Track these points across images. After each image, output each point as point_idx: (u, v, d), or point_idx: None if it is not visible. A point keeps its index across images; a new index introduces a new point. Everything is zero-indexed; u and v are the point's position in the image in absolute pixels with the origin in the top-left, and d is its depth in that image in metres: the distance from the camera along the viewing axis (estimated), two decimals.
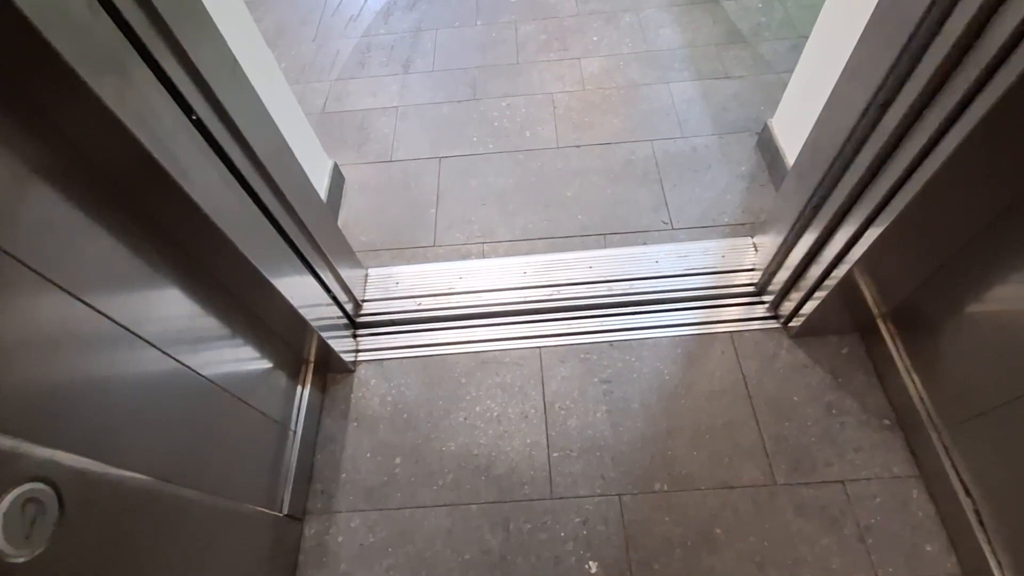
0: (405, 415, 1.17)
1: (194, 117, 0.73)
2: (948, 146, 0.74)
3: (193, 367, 0.79)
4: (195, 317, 0.83)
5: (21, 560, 0.49)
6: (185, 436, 0.77)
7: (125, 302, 0.68)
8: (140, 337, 0.69)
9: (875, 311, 1.12)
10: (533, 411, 1.15)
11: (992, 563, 0.87)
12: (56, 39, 0.52)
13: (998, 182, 0.78)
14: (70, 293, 0.59)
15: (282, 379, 1.09)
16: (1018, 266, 0.80)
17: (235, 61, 0.83)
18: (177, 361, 0.76)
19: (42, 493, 0.52)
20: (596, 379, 1.18)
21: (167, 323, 0.75)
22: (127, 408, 0.67)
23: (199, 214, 0.74)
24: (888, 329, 1.11)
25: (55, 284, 0.57)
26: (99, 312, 0.63)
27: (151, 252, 0.73)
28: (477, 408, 1.16)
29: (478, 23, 2.00)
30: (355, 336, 1.29)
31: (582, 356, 1.22)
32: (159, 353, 0.72)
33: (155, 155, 0.64)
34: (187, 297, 0.81)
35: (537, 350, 1.23)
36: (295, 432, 1.09)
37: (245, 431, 0.94)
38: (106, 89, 0.58)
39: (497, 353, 1.23)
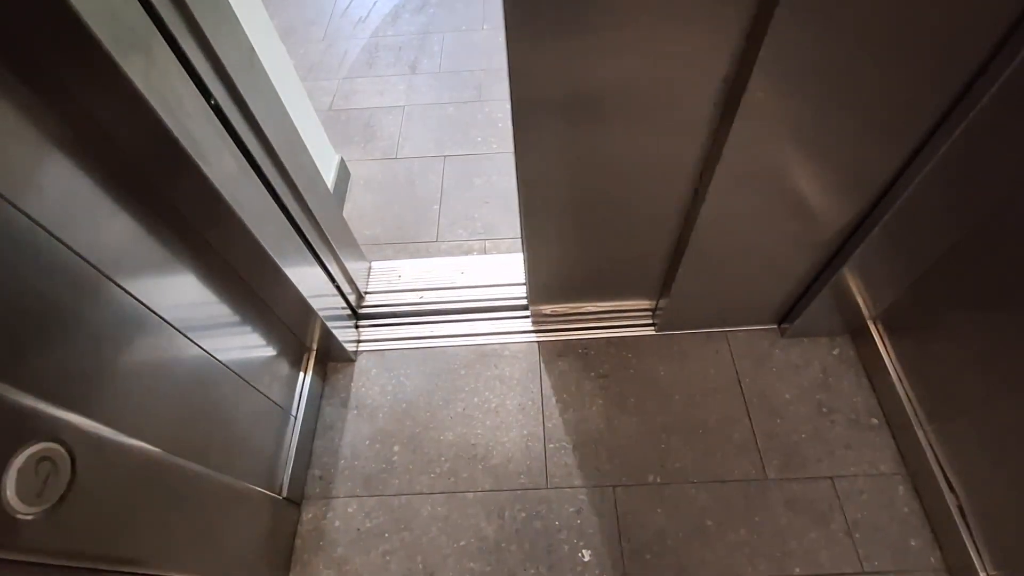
0: (404, 404, 1.19)
1: (212, 102, 0.76)
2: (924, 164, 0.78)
3: (206, 348, 0.81)
4: (208, 300, 0.85)
5: (30, 518, 0.51)
6: (194, 413, 0.79)
7: (144, 281, 0.70)
8: (156, 314, 0.71)
9: (865, 313, 1.15)
10: (530, 403, 1.17)
11: (974, 557, 0.89)
12: (90, 18, 0.55)
13: (975, 193, 0.81)
14: (93, 266, 0.61)
15: (285, 366, 1.10)
16: (998, 271, 0.83)
17: (252, 50, 0.86)
18: (191, 341, 0.78)
19: (56, 453, 0.54)
20: (593, 373, 1.21)
21: (182, 304, 0.77)
22: (141, 380, 0.69)
23: (217, 199, 0.76)
24: (878, 331, 1.14)
25: (79, 255, 0.59)
26: (120, 287, 0.65)
27: (169, 235, 0.75)
28: (475, 399, 1.18)
29: (485, 28, 2.04)
30: (357, 326, 1.31)
31: (580, 351, 1.24)
32: (174, 331, 0.74)
33: (177, 136, 0.67)
34: (201, 281, 0.83)
35: (536, 344, 1.25)
36: (296, 418, 1.10)
37: (250, 413, 0.96)
38: (133, 69, 0.60)
39: (496, 346, 1.25)
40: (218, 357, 0.85)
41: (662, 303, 1.20)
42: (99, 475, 0.60)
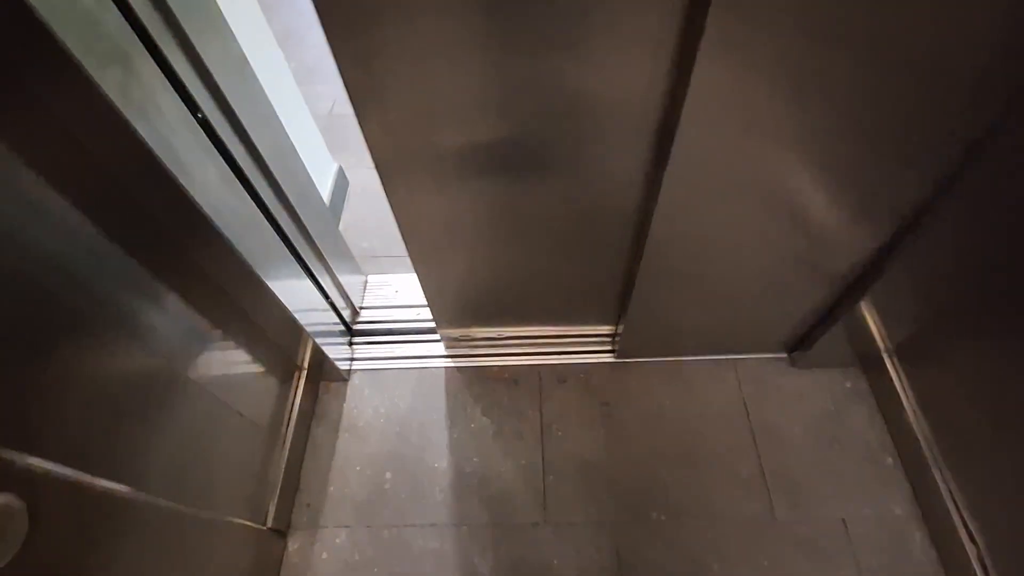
0: (398, 428, 1.14)
1: (199, 116, 0.71)
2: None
3: (183, 370, 0.76)
4: (186, 317, 0.79)
5: None
6: (170, 444, 0.74)
7: (116, 300, 0.65)
8: (124, 333, 0.66)
9: (880, 346, 1.11)
10: (529, 431, 1.12)
11: None
12: (58, 25, 0.50)
13: (1004, 226, 0.77)
14: (63, 286, 0.56)
15: (273, 385, 1.05)
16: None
17: (243, 58, 0.82)
18: (166, 363, 0.73)
19: (13, 504, 0.49)
20: (595, 401, 1.16)
21: (155, 322, 0.72)
22: (107, 410, 0.63)
23: (195, 211, 0.70)
24: (893, 364, 1.09)
25: (46, 272, 0.54)
26: (82, 298, 0.60)
27: (141, 245, 0.69)
28: (472, 425, 1.14)
29: None
30: (351, 344, 1.26)
31: (581, 376, 1.19)
32: (145, 352, 0.69)
33: (159, 155, 0.62)
34: (178, 296, 0.77)
35: (536, 367, 1.20)
36: (284, 441, 1.05)
37: (233, 439, 0.91)
38: (109, 82, 0.55)
39: (495, 369, 1.20)
40: (197, 380, 0.80)
41: (620, 328, 1.14)
42: (61, 522, 0.55)
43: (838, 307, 1.02)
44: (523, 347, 1.22)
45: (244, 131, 0.80)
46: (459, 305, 1.12)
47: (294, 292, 0.99)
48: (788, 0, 0.53)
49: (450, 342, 1.23)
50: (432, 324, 1.26)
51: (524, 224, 0.89)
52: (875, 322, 1.10)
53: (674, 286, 0.99)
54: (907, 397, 1.06)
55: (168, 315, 0.75)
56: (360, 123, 0.68)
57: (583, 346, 1.22)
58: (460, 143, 0.72)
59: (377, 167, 0.74)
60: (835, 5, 0.54)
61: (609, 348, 1.22)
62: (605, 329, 1.21)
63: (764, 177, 0.76)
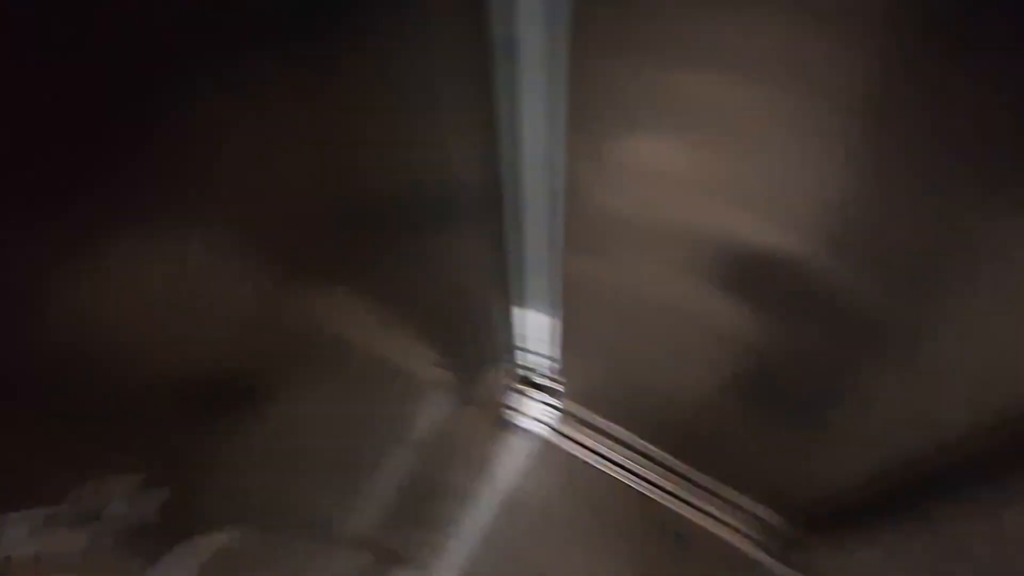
0: (542, 527, 0.98)
1: None
2: None
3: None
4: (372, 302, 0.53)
5: None
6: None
7: None
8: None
9: None
10: None
11: None
12: None
13: None
14: None
15: (444, 409, 0.89)
16: None
17: None
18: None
19: None
20: None
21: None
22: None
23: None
24: None
25: None
26: None
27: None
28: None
29: None
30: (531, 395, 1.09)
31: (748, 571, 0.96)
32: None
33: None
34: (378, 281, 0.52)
35: (709, 534, 0.98)
36: (429, 479, 0.92)
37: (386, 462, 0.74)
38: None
39: (668, 511, 0.99)
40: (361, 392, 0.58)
41: (799, 532, 0.89)
42: None
43: None
44: (688, 492, 1.00)
45: None
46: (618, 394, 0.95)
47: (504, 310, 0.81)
48: None
49: (569, 419, 1.05)
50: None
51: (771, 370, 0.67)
52: None
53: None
54: None
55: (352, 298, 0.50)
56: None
57: (726, 516, 0.98)
58: (720, 235, 0.50)
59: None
60: None
61: (758, 536, 0.96)
62: (760, 510, 0.96)
63: None
